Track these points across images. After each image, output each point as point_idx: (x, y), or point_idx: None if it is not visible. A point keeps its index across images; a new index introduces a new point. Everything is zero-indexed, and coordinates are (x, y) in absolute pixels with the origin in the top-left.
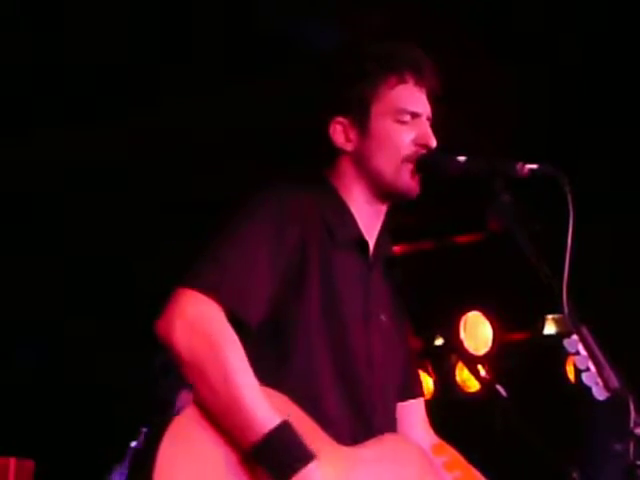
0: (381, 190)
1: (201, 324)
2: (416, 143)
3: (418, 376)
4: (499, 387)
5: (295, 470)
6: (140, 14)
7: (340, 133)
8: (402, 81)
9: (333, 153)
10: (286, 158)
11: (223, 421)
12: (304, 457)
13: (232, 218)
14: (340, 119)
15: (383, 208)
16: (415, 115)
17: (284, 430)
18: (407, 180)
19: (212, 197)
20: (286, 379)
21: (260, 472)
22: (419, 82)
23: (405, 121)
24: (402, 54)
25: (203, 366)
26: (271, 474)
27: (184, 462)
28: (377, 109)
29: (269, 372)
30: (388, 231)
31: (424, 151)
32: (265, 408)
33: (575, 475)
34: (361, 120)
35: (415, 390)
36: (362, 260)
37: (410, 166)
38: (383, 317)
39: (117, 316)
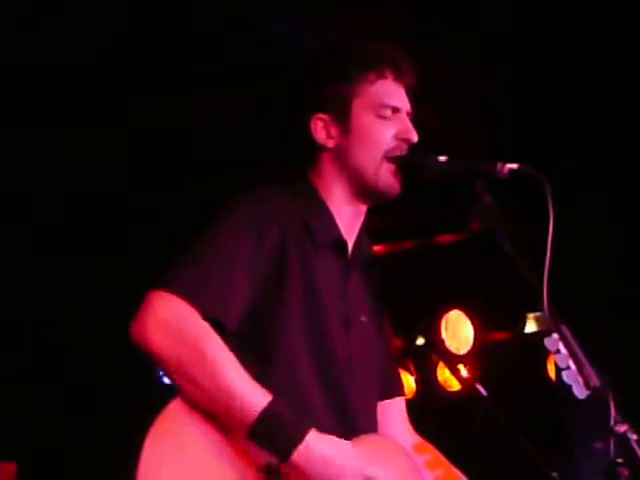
0: (362, 188)
1: (176, 322)
2: (398, 138)
3: (399, 376)
4: (479, 386)
5: (296, 442)
6: (140, 15)
7: (321, 130)
8: (381, 77)
9: (314, 151)
10: (270, 158)
11: (214, 411)
12: (302, 429)
13: (212, 222)
14: (321, 116)
15: (363, 208)
16: (395, 110)
17: (276, 407)
18: (388, 178)
19: (211, 197)
20: (269, 383)
21: (254, 456)
22: (398, 78)
23: (386, 116)
24: (380, 51)
25: (183, 361)
26: (273, 452)
27: (169, 459)
28: (358, 105)
29: (253, 376)
30: (368, 231)
31: (405, 146)
32: (253, 389)
33: (555, 474)
34: (342, 116)
35: (396, 389)
36: (341, 261)
37: (391, 164)
38: (363, 318)
39: (105, 316)
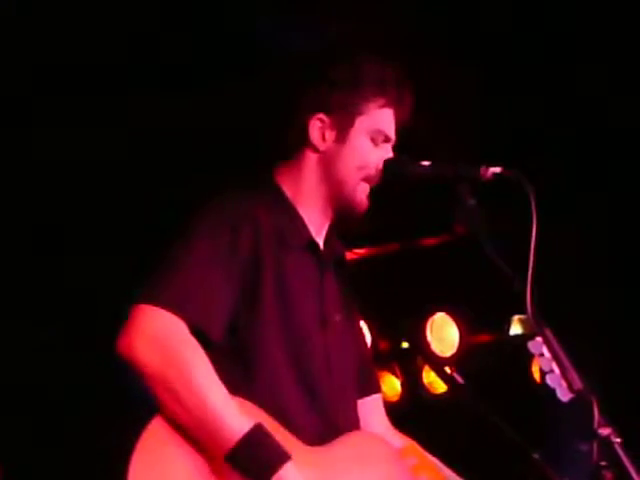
0: (336, 197)
1: (163, 338)
2: (377, 168)
3: (375, 373)
4: (455, 375)
5: (273, 471)
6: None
7: (318, 130)
8: (388, 105)
9: (300, 147)
10: (242, 157)
11: (194, 432)
12: (281, 458)
13: (186, 230)
14: (323, 117)
15: (330, 214)
16: (387, 140)
17: (258, 433)
18: (361, 198)
19: (211, 197)
20: (250, 389)
21: (236, 479)
22: (398, 112)
23: (377, 142)
24: (396, 81)
25: (169, 379)
26: (250, 478)
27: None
28: (359, 122)
29: (233, 383)
30: (353, 233)
31: (379, 176)
32: (236, 414)
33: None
34: (343, 126)
35: (372, 387)
36: (314, 261)
37: (367, 187)
38: (337, 317)
39: (86, 316)
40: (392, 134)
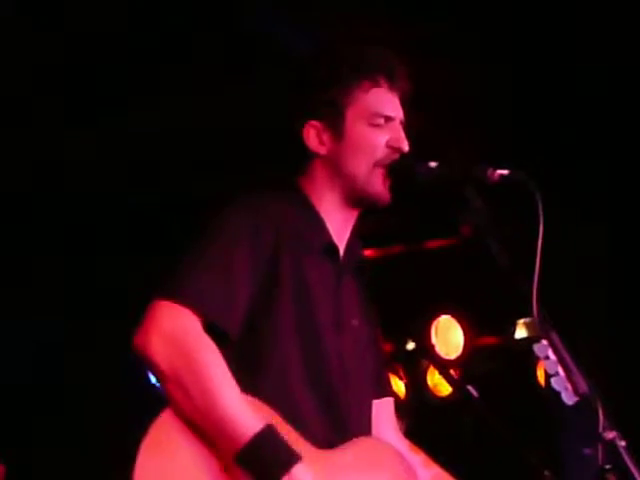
0: (353, 194)
1: (178, 335)
2: (389, 146)
3: (388, 377)
4: (470, 388)
5: (283, 472)
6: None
7: (314, 137)
8: (376, 85)
9: (307, 157)
10: (262, 163)
11: (205, 430)
12: (291, 459)
13: (207, 228)
14: (314, 123)
15: (354, 213)
16: (389, 119)
17: (269, 434)
18: (379, 187)
19: (211, 197)
20: (262, 387)
21: (244, 478)
22: (392, 86)
23: (379, 124)
24: (375, 58)
25: (182, 377)
26: (259, 478)
27: (162, 472)
28: (351, 113)
29: (246, 381)
30: (359, 236)
31: (397, 155)
32: (248, 413)
33: (547, 474)
34: (335, 124)
35: (384, 390)
36: (333, 265)
37: (382, 171)
38: (354, 321)
39: (86, 317)
40: (393, 112)
